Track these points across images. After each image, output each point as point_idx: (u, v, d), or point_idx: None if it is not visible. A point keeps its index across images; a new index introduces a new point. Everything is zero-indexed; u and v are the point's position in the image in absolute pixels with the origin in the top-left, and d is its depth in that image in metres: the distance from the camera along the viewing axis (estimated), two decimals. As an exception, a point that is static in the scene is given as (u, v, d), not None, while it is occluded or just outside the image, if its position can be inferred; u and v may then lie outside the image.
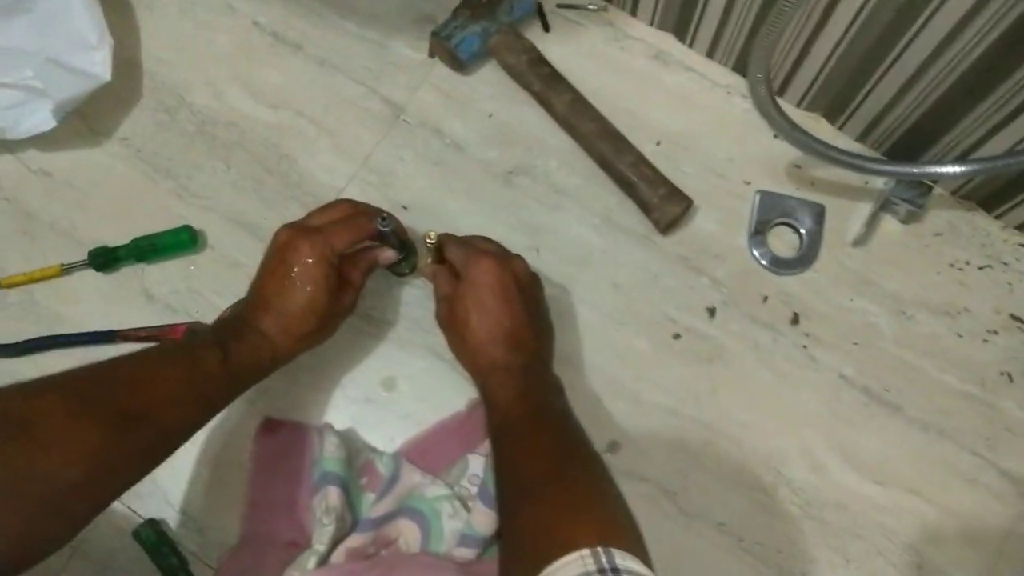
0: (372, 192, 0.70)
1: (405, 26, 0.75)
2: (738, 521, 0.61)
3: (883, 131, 0.67)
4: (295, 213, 0.69)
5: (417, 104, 0.73)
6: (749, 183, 0.70)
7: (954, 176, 0.57)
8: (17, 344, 0.66)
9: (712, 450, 0.63)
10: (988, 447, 0.62)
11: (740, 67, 0.72)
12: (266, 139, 0.72)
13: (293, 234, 0.57)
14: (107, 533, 0.62)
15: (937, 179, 0.65)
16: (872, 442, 0.63)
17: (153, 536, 0.61)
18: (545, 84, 0.71)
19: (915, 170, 0.59)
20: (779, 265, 0.67)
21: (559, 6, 0.75)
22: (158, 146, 0.72)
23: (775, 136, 0.71)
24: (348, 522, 0.59)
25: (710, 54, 0.73)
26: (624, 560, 0.39)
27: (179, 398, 0.49)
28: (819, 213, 0.68)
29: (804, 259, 0.67)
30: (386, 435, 0.63)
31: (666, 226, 0.67)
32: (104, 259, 0.67)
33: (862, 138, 0.70)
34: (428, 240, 0.60)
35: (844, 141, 0.70)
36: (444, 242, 0.61)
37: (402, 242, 0.63)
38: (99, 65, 0.69)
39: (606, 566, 0.38)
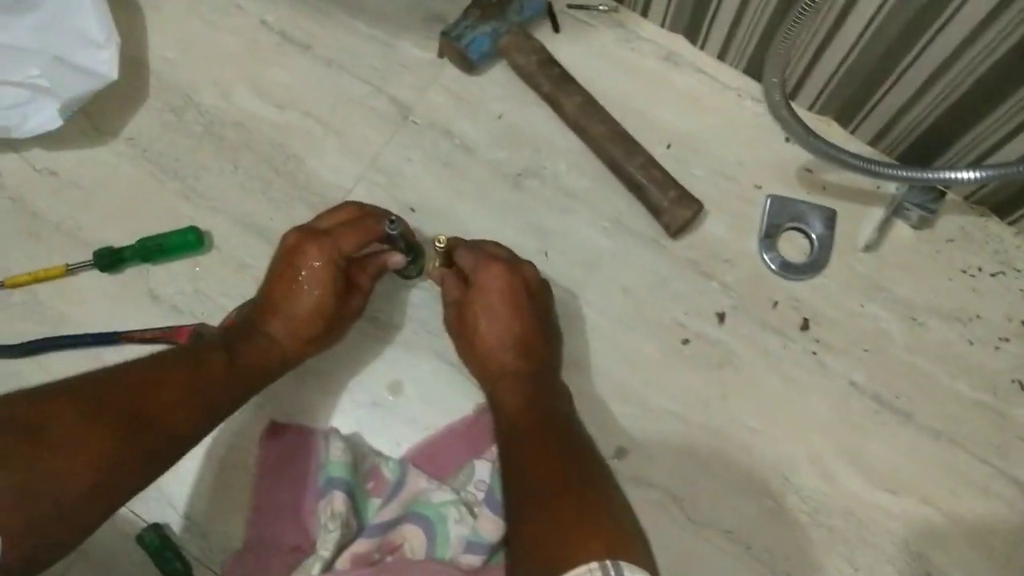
0: (380, 193, 0.70)
1: (414, 25, 0.75)
2: (746, 528, 0.61)
3: (896, 136, 0.66)
4: (302, 214, 0.69)
5: (426, 105, 0.72)
6: (760, 187, 0.69)
7: (969, 182, 0.56)
8: (21, 345, 0.65)
9: (721, 457, 0.63)
10: (999, 455, 0.62)
11: (751, 70, 0.71)
12: (273, 139, 0.72)
13: (301, 237, 0.57)
14: (110, 537, 0.62)
15: (951, 185, 0.64)
16: (882, 449, 0.62)
17: (157, 541, 0.60)
18: (555, 85, 0.70)
19: (929, 175, 0.58)
20: (789, 270, 0.67)
21: (569, 6, 0.75)
22: (164, 146, 0.72)
23: (786, 140, 0.70)
24: (353, 527, 0.59)
25: (721, 56, 0.72)
26: (632, 573, 0.39)
27: (187, 403, 0.49)
28: (830, 218, 0.68)
29: (815, 264, 0.67)
30: (392, 440, 0.63)
31: (676, 230, 0.66)
32: (110, 259, 0.66)
33: (874, 142, 0.69)
34: (438, 244, 0.60)
35: (856, 145, 0.70)
36: (453, 246, 0.61)
37: (410, 245, 0.62)
38: (106, 64, 0.69)
39: None
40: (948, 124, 0.61)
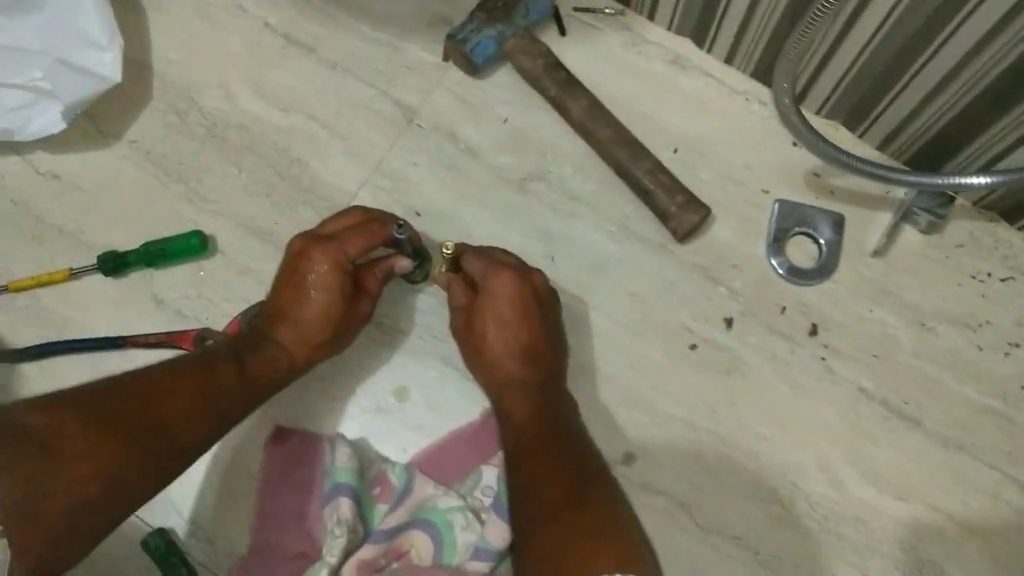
0: (384, 197, 0.69)
1: (419, 28, 0.74)
2: (754, 535, 0.61)
3: (905, 140, 0.66)
4: (307, 218, 0.68)
5: (431, 108, 0.72)
6: (767, 191, 0.69)
7: (979, 187, 0.56)
8: (25, 349, 0.65)
9: (729, 463, 0.62)
10: (1009, 462, 0.62)
11: (759, 74, 0.71)
12: (277, 143, 0.71)
13: (306, 243, 0.56)
14: (115, 542, 0.60)
15: (962, 190, 0.64)
16: (891, 456, 0.62)
17: (162, 546, 0.60)
18: (561, 89, 0.70)
19: (940, 180, 0.58)
20: (797, 275, 0.66)
21: (575, 9, 0.74)
22: (168, 149, 0.71)
23: (794, 144, 0.70)
24: (360, 534, 0.58)
25: (728, 60, 0.72)
26: None
27: (196, 411, 0.49)
28: (838, 223, 0.67)
29: (823, 269, 0.66)
30: (398, 445, 0.63)
31: (684, 235, 0.66)
32: (113, 263, 0.66)
33: (883, 147, 0.69)
34: (445, 250, 0.59)
35: (864, 150, 0.69)
36: (461, 252, 0.60)
37: (416, 250, 0.62)
38: (109, 66, 0.68)
39: None
40: (958, 129, 0.61)
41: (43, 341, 0.65)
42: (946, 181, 0.57)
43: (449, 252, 0.59)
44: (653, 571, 0.42)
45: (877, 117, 0.66)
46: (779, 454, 0.62)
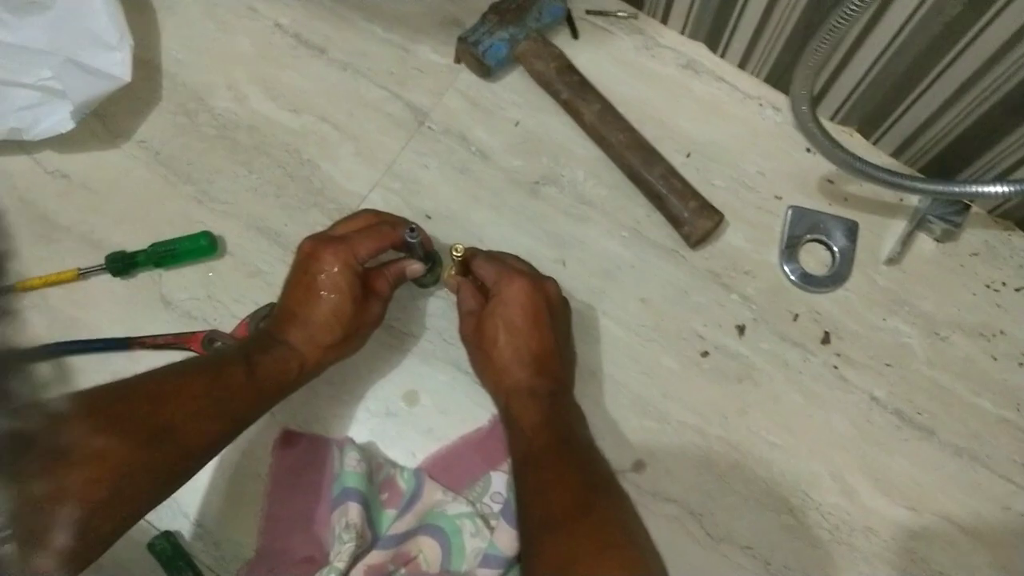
0: (395, 200, 0.69)
1: (431, 30, 0.74)
2: (765, 544, 0.60)
3: (920, 147, 0.66)
4: (317, 220, 0.68)
5: (442, 110, 0.71)
6: (780, 198, 0.68)
7: (996, 196, 0.55)
8: (32, 349, 0.64)
9: (740, 471, 0.62)
10: (1022, 473, 0.61)
11: (773, 79, 0.70)
12: (288, 144, 0.71)
13: (316, 244, 0.56)
14: (122, 544, 0.60)
15: (978, 198, 0.63)
16: (904, 466, 0.61)
17: (169, 549, 0.59)
18: (574, 92, 0.69)
19: (955, 189, 0.57)
20: (810, 282, 0.66)
21: (588, 12, 0.74)
22: (177, 149, 0.71)
23: (807, 150, 0.69)
24: (368, 538, 0.58)
25: (742, 65, 0.71)
26: None
27: (205, 414, 0.48)
28: (852, 230, 0.67)
29: (836, 277, 0.66)
30: (407, 450, 0.62)
31: (697, 241, 0.66)
32: (122, 264, 0.66)
33: (897, 154, 0.68)
34: (455, 253, 0.59)
35: (878, 156, 0.69)
36: (472, 256, 0.60)
37: (427, 254, 0.61)
38: (118, 66, 0.68)
39: None
40: (974, 137, 0.61)
41: (51, 341, 0.65)
42: (962, 189, 0.57)
43: (459, 255, 0.59)
44: None
45: (893, 124, 0.65)
46: (791, 463, 0.62)
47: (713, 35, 0.70)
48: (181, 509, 0.61)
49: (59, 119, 0.67)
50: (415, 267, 0.60)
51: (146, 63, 0.72)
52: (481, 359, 0.58)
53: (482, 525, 0.58)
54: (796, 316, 0.65)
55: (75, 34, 0.69)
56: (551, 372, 0.56)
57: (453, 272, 0.62)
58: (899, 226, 0.67)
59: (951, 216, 0.64)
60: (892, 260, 0.66)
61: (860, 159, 0.58)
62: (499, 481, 0.60)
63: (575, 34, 0.74)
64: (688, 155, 0.69)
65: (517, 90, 0.72)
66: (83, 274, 0.66)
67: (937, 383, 0.63)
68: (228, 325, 0.65)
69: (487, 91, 0.72)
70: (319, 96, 0.72)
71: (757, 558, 0.60)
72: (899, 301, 0.65)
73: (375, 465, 0.60)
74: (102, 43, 0.68)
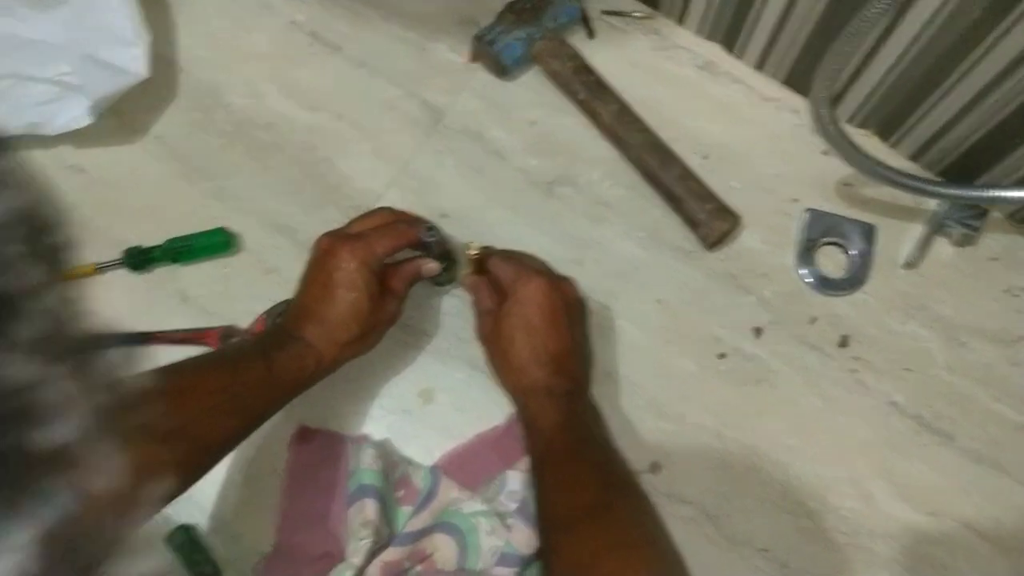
0: (411, 198, 0.69)
1: (447, 29, 0.74)
2: (782, 547, 0.60)
3: (939, 151, 0.65)
4: (333, 217, 0.68)
5: (458, 109, 0.71)
6: (797, 200, 0.68)
7: (1016, 201, 0.55)
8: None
9: (756, 474, 0.61)
10: (1042, 480, 0.61)
11: (791, 81, 0.70)
12: (304, 141, 0.71)
13: (333, 241, 0.56)
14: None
15: (997, 203, 0.63)
16: (923, 472, 0.61)
17: (186, 542, 0.59)
18: (591, 92, 0.69)
19: (975, 193, 0.57)
20: (828, 286, 0.66)
21: (604, 13, 0.74)
22: (194, 145, 0.71)
23: (824, 152, 0.69)
24: (384, 536, 0.58)
25: (759, 66, 0.71)
26: None
27: (221, 408, 0.48)
28: (869, 233, 0.67)
29: (853, 280, 0.66)
30: (423, 448, 0.62)
31: (713, 243, 0.65)
32: (139, 259, 0.66)
33: (915, 157, 0.68)
34: (470, 252, 0.59)
35: (896, 160, 0.69)
36: (488, 255, 0.60)
37: (444, 252, 0.61)
38: (136, 61, 0.68)
39: None
40: (994, 141, 0.60)
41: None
42: (981, 194, 0.57)
43: (474, 254, 0.59)
44: None
45: (911, 128, 0.65)
46: (808, 466, 0.61)
47: (730, 36, 0.70)
48: (198, 503, 0.61)
49: (77, 114, 0.67)
50: (431, 266, 0.60)
51: (163, 59, 0.72)
52: (498, 358, 0.58)
53: (498, 523, 0.58)
54: (813, 319, 0.65)
55: (92, 29, 0.69)
56: (568, 372, 0.56)
57: (468, 271, 0.62)
58: (917, 230, 0.66)
59: (969, 220, 0.64)
60: (910, 264, 0.66)
61: (878, 162, 0.58)
62: (515, 480, 0.60)
63: (591, 34, 0.73)
64: (705, 157, 0.69)
65: (533, 89, 0.72)
66: (100, 269, 0.66)
67: (956, 389, 0.63)
68: (245, 321, 0.65)
69: (503, 90, 0.72)
70: (335, 94, 0.72)
71: (774, 561, 0.59)
72: (917, 305, 0.65)
73: (391, 462, 0.60)
74: (119, 38, 0.68)
